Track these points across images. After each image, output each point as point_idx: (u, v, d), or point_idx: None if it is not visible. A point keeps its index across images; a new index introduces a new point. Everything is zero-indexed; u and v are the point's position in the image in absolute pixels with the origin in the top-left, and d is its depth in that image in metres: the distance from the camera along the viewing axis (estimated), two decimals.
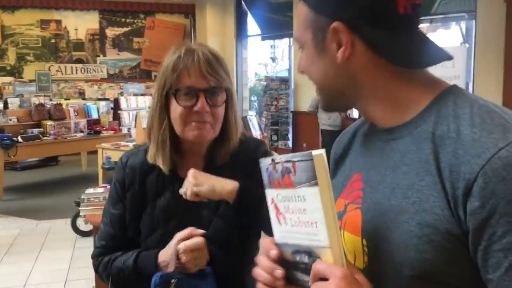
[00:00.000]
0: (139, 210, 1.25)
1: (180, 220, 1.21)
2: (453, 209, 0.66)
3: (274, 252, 0.72)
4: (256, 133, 3.02)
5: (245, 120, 3.05)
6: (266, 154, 1.29)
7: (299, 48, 0.83)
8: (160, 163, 1.21)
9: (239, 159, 1.26)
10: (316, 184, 0.65)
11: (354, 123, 0.95)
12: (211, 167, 1.23)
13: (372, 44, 0.74)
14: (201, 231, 1.17)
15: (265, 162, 0.72)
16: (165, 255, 1.17)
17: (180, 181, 1.18)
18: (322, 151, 0.67)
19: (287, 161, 0.69)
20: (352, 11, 0.73)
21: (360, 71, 0.76)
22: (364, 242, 0.76)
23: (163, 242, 1.19)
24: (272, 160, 0.71)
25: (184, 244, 1.14)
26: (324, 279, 0.64)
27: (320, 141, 7.82)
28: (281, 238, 0.72)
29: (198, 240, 1.15)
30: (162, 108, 1.19)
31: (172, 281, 1.15)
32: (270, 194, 0.73)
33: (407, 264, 0.68)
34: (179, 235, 1.15)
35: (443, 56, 0.75)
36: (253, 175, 1.15)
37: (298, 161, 0.67)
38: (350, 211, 0.82)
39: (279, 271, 0.70)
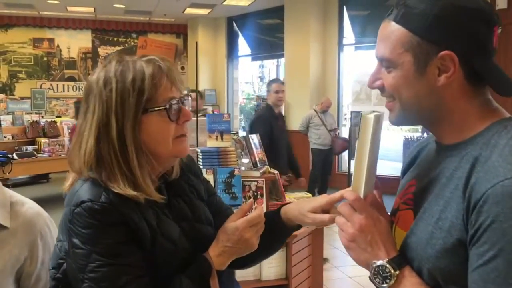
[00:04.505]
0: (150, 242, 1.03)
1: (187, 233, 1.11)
2: (464, 220, 0.76)
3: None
4: (257, 151, 3.17)
5: (247, 139, 3.20)
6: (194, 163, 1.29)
7: (387, 68, 0.86)
8: (146, 192, 1.02)
9: (183, 171, 1.20)
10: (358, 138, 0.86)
11: (423, 139, 1.05)
12: (167, 182, 1.14)
13: (478, 73, 0.79)
14: (248, 202, 1.17)
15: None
16: (216, 249, 1.10)
17: (155, 202, 1.06)
18: (372, 115, 0.84)
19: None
20: (462, 42, 0.78)
21: (449, 94, 0.83)
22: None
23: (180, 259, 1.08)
24: None
25: (245, 220, 1.09)
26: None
27: (310, 159, 7.98)
28: None
29: (257, 211, 1.11)
30: (135, 127, 1.02)
31: None
32: None
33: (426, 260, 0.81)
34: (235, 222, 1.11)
35: None
36: (198, 184, 1.23)
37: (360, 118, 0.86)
38: (402, 209, 0.94)
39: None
